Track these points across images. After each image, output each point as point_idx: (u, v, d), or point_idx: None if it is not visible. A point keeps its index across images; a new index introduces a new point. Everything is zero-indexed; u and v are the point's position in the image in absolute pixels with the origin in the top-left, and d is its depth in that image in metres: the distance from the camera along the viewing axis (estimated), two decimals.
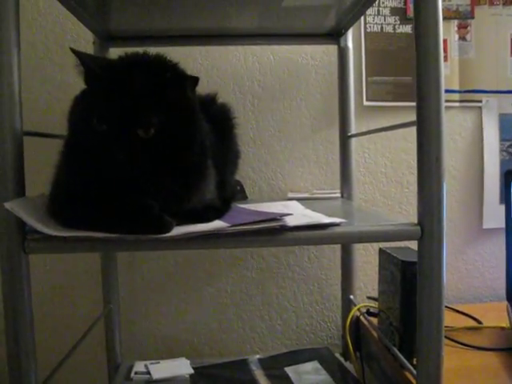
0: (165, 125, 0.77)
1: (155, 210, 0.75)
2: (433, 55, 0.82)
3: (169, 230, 0.75)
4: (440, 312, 0.83)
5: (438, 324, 0.83)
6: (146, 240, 0.74)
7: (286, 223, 0.80)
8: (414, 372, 0.88)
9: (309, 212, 1.01)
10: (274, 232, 0.80)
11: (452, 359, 1.13)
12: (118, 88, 0.77)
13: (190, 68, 1.47)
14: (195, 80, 0.82)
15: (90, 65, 0.82)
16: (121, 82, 0.77)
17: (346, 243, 1.45)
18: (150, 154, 0.76)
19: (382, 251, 1.23)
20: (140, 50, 0.88)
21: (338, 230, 0.84)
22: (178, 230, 0.76)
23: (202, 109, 0.91)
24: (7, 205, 0.73)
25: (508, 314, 1.25)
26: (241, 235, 0.78)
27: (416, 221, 0.85)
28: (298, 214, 0.95)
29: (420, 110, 0.83)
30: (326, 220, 0.85)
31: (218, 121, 1.04)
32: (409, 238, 0.85)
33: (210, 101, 1.11)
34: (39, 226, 0.73)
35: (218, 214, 0.86)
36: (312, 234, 0.83)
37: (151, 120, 0.76)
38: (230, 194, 1.07)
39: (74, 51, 0.82)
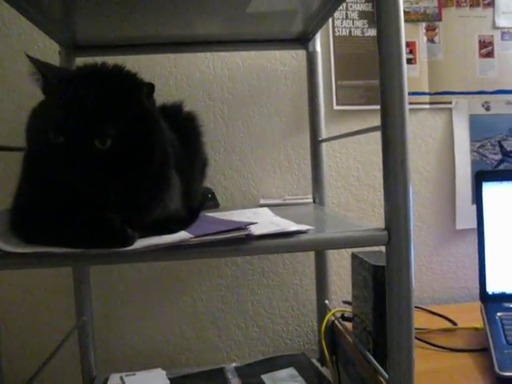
0: (122, 135, 0.76)
1: (117, 223, 0.74)
2: (396, 59, 0.82)
3: (131, 243, 0.73)
4: (410, 316, 0.83)
5: (407, 328, 0.83)
6: (108, 254, 0.73)
7: (252, 232, 0.79)
8: (386, 376, 0.88)
9: (277, 219, 1.00)
10: (240, 241, 0.79)
11: (427, 361, 1.14)
12: (73, 99, 0.75)
13: (159, 76, 1.49)
14: (151, 87, 0.81)
15: (47, 74, 0.80)
16: (76, 92, 0.76)
17: (313, 250, 1.45)
18: (108, 166, 0.75)
19: (354, 256, 1.23)
20: (108, 59, 0.86)
21: (304, 237, 0.83)
22: (141, 243, 0.74)
23: (167, 117, 0.90)
24: None
25: (482, 315, 1.25)
26: (205, 246, 0.77)
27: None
28: (265, 222, 0.94)
29: (384, 115, 0.84)
30: (293, 228, 0.85)
31: (183, 129, 1.03)
32: (376, 243, 0.85)
33: (175, 109, 1.10)
34: (0, 244, 0.71)
35: (183, 224, 0.85)
36: (278, 242, 0.82)
37: (107, 130, 0.75)
38: (197, 203, 1.06)
39: (30, 59, 0.81)
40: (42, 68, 0.80)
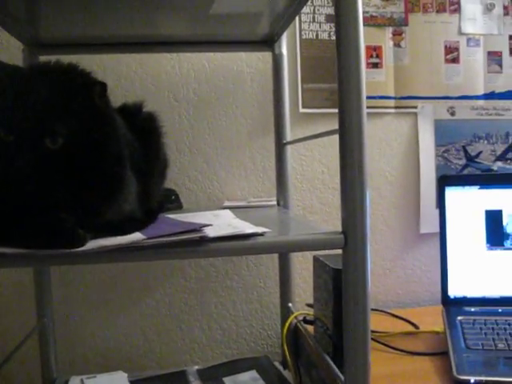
0: (74, 134, 0.75)
1: (68, 224, 0.73)
2: (353, 63, 0.81)
3: (82, 244, 0.72)
4: (365, 319, 0.83)
5: (363, 331, 0.83)
6: (58, 254, 0.72)
7: (206, 234, 0.78)
8: (342, 379, 0.88)
9: (236, 222, 1.00)
10: (194, 243, 0.78)
11: (386, 365, 1.14)
12: (24, 96, 0.74)
13: (125, 76, 1.48)
14: (103, 86, 0.80)
15: (2, 71, 0.79)
16: (27, 90, 0.75)
17: (270, 253, 1.45)
18: (59, 166, 0.74)
19: (315, 259, 1.24)
20: (72, 58, 0.85)
21: (260, 240, 0.83)
22: (93, 244, 0.73)
23: (127, 117, 0.89)
24: None
25: (443, 318, 1.27)
26: (159, 247, 0.76)
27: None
28: (223, 224, 0.93)
29: (342, 118, 0.83)
30: (249, 230, 0.84)
31: (143, 130, 1.02)
32: (333, 246, 0.85)
33: (135, 109, 1.09)
34: None
35: (138, 225, 0.84)
36: (233, 244, 0.81)
37: (58, 129, 0.74)
38: (155, 204, 1.05)
39: None
40: None
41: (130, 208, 0.87)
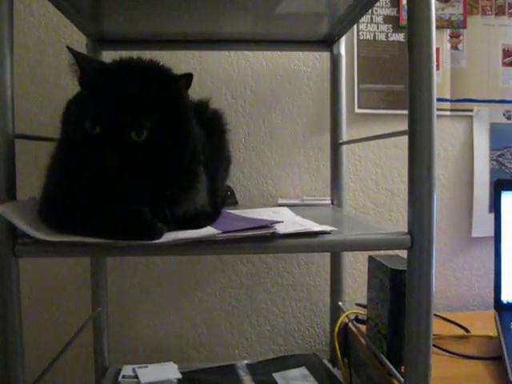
0: (158, 127, 0.78)
1: (146, 216, 0.75)
2: (425, 65, 0.82)
3: (160, 237, 0.74)
4: (428, 321, 0.84)
5: (426, 333, 0.83)
6: (137, 246, 0.74)
7: (277, 231, 0.80)
8: (402, 380, 0.89)
9: (299, 219, 1.01)
10: (265, 239, 0.80)
11: (439, 367, 1.13)
12: (111, 91, 0.77)
13: (183, 72, 1.49)
14: (189, 77, 0.82)
15: (85, 66, 0.82)
16: (114, 84, 0.78)
17: (336, 251, 1.44)
18: (142, 158, 0.76)
19: (371, 259, 1.24)
20: (133, 54, 0.88)
21: (328, 238, 0.84)
22: (169, 236, 0.75)
23: (195, 114, 0.91)
24: None
25: (496, 323, 1.26)
26: (231, 242, 0.78)
27: (405, 229, 0.85)
28: (288, 221, 0.95)
29: (412, 120, 0.83)
30: (317, 228, 0.85)
31: (210, 127, 1.04)
32: (398, 247, 0.85)
33: (202, 107, 1.11)
34: (30, 231, 0.73)
35: (209, 220, 0.86)
36: (302, 241, 0.83)
37: (144, 122, 0.76)
38: (220, 200, 1.07)
39: (71, 51, 0.82)
40: (80, 60, 0.82)
41: (202, 202, 0.89)
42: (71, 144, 0.79)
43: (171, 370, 1.38)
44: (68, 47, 0.82)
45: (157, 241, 0.74)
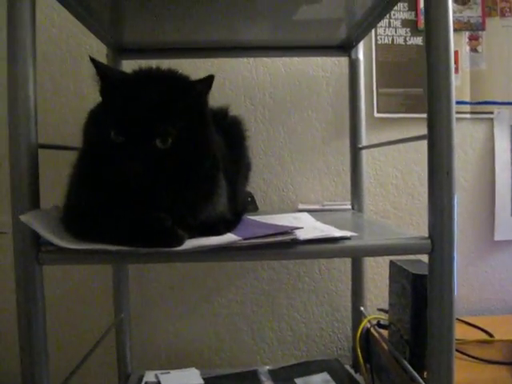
0: (181, 135, 0.79)
1: (168, 224, 0.76)
2: (444, 68, 0.82)
3: (181, 244, 0.75)
4: (451, 326, 0.83)
5: (448, 338, 0.83)
6: (158, 253, 0.75)
7: (297, 237, 0.80)
8: None
9: (319, 225, 1.01)
10: (285, 245, 0.80)
11: (462, 372, 1.13)
12: (135, 100, 0.78)
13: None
14: (209, 80, 0.84)
15: (107, 76, 0.83)
16: (137, 93, 0.79)
17: (357, 257, 1.44)
18: (166, 165, 0.77)
19: (392, 264, 1.23)
20: (153, 63, 0.89)
21: (348, 243, 0.85)
22: (190, 243, 0.76)
23: (215, 121, 0.92)
24: (23, 218, 0.75)
25: None
26: (252, 248, 0.79)
27: (426, 233, 0.85)
28: (308, 227, 0.95)
29: (431, 124, 0.83)
30: (337, 233, 0.86)
31: (230, 133, 1.05)
32: (419, 251, 0.86)
33: (222, 114, 1.12)
34: (53, 239, 0.74)
35: (230, 226, 0.86)
36: (323, 247, 0.83)
37: (168, 129, 0.77)
38: (240, 206, 1.08)
39: (92, 60, 0.83)
40: (101, 70, 0.83)
41: (222, 209, 0.90)
42: (93, 153, 0.80)
43: (193, 376, 1.39)
44: (90, 57, 0.83)
45: (178, 248, 0.75)
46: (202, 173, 0.83)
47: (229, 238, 0.79)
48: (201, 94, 0.85)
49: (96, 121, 0.82)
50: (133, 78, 0.85)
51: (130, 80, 0.84)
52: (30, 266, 0.79)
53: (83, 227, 0.78)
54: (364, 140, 1.44)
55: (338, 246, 0.84)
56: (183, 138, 0.79)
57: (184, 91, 0.82)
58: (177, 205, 0.79)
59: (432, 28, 0.83)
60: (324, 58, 1.56)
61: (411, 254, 0.89)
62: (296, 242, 0.80)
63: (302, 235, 0.81)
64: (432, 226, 0.84)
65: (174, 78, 0.86)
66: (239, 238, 0.78)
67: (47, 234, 0.74)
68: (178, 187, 0.79)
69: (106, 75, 0.83)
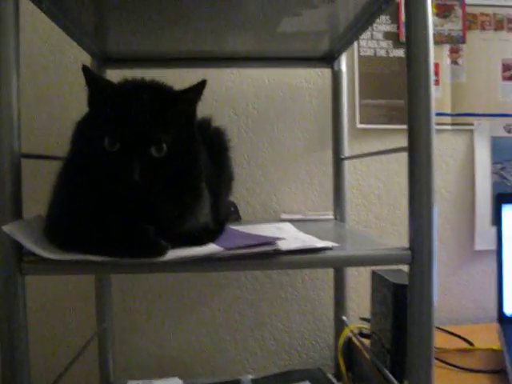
0: (175, 143, 0.80)
1: (151, 234, 0.76)
2: (424, 81, 0.83)
3: (163, 254, 0.75)
4: (430, 335, 0.84)
5: (428, 347, 0.84)
6: (141, 263, 0.75)
7: (280, 247, 0.81)
8: None
9: (301, 235, 1.02)
10: (268, 256, 0.81)
11: (443, 381, 1.14)
12: (129, 106, 0.78)
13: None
14: (201, 87, 0.86)
15: (99, 85, 0.83)
16: (131, 101, 0.80)
17: (338, 267, 1.45)
18: (160, 174, 0.78)
19: (374, 273, 1.24)
20: (137, 73, 0.90)
21: (330, 253, 0.85)
22: (173, 254, 0.76)
23: (198, 132, 0.92)
24: (5, 228, 0.75)
25: (499, 336, 1.26)
26: (234, 259, 0.79)
27: (407, 244, 0.86)
28: (290, 237, 0.96)
29: (411, 136, 0.84)
30: (319, 244, 0.86)
31: (212, 144, 1.05)
32: (400, 262, 0.86)
33: (205, 124, 1.13)
34: (36, 249, 0.74)
35: (212, 237, 0.87)
36: (305, 257, 0.83)
37: (163, 137, 0.78)
38: (223, 216, 1.08)
39: (85, 69, 0.83)
40: (92, 79, 0.83)
41: (205, 219, 0.90)
42: (83, 163, 0.80)
43: None
44: (83, 66, 0.82)
45: (161, 258, 0.75)
46: (189, 182, 0.84)
47: (211, 248, 0.80)
48: (192, 102, 0.86)
49: (87, 130, 0.82)
50: (124, 86, 0.85)
51: (122, 88, 0.84)
52: (12, 276, 0.79)
53: (66, 237, 0.78)
54: (346, 151, 1.45)
55: (319, 256, 0.84)
56: (176, 147, 0.80)
57: (176, 99, 0.83)
58: (160, 215, 0.80)
59: (412, 42, 0.84)
60: (307, 70, 1.58)
61: (392, 264, 0.90)
62: (278, 253, 0.81)
63: (284, 246, 0.82)
64: (412, 237, 0.85)
65: (163, 87, 0.87)
66: (222, 249, 0.78)
67: (30, 245, 0.74)
68: (167, 196, 0.80)
69: (97, 84, 0.83)
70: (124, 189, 0.76)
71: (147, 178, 0.76)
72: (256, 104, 1.58)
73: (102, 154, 0.77)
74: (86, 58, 1.38)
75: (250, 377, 1.46)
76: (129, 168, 0.75)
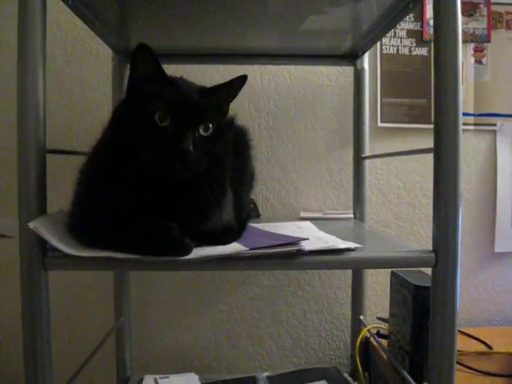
0: (218, 126, 0.83)
1: (175, 233, 0.76)
2: (452, 82, 0.82)
3: (188, 253, 0.75)
4: (453, 338, 0.83)
5: (450, 350, 0.83)
6: (165, 261, 0.75)
7: (303, 248, 0.80)
8: None
9: (323, 235, 1.01)
10: (290, 256, 0.81)
11: None
12: (180, 86, 0.83)
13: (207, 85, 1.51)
14: (243, 79, 0.91)
15: (155, 65, 0.83)
16: (180, 82, 0.85)
17: (360, 268, 1.44)
18: (205, 152, 0.81)
19: (393, 274, 1.24)
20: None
21: (352, 255, 0.85)
22: (197, 252, 0.76)
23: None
24: (31, 224, 0.75)
25: None
26: (257, 258, 0.79)
27: (427, 243, 0.86)
28: (312, 237, 0.95)
29: (437, 137, 0.84)
30: (342, 245, 0.86)
31: (235, 142, 1.05)
32: (423, 265, 0.86)
33: (228, 122, 1.12)
34: (61, 246, 0.74)
35: (236, 235, 0.87)
36: (327, 258, 0.83)
37: (212, 117, 0.82)
38: (245, 214, 1.08)
39: (143, 48, 0.83)
40: (145, 58, 0.84)
41: (228, 218, 0.90)
42: (122, 146, 0.80)
43: (192, 381, 1.40)
44: (142, 43, 0.83)
45: (185, 257, 0.75)
46: (226, 166, 0.89)
47: (235, 247, 0.80)
48: (231, 95, 0.91)
49: (134, 108, 0.82)
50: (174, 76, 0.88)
51: (173, 78, 0.87)
52: (35, 271, 0.80)
53: (91, 234, 0.78)
54: (367, 149, 1.45)
55: (342, 257, 0.84)
56: (218, 131, 0.83)
57: (219, 88, 0.87)
58: (185, 213, 0.80)
59: (441, 40, 0.83)
60: (329, 67, 1.57)
61: (415, 267, 0.90)
62: (301, 253, 0.81)
63: (307, 246, 0.81)
64: (436, 240, 0.84)
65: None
66: (245, 248, 0.78)
67: (55, 241, 0.75)
68: (207, 180, 0.82)
69: (153, 63, 0.83)
70: (174, 162, 0.77)
71: (194, 154, 0.78)
72: (277, 101, 1.57)
73: (153, 129, 0.78)
74: (108, 53, 1.39)
75: (266, 374, 1.46)
76: (181, 139, 0.77)
